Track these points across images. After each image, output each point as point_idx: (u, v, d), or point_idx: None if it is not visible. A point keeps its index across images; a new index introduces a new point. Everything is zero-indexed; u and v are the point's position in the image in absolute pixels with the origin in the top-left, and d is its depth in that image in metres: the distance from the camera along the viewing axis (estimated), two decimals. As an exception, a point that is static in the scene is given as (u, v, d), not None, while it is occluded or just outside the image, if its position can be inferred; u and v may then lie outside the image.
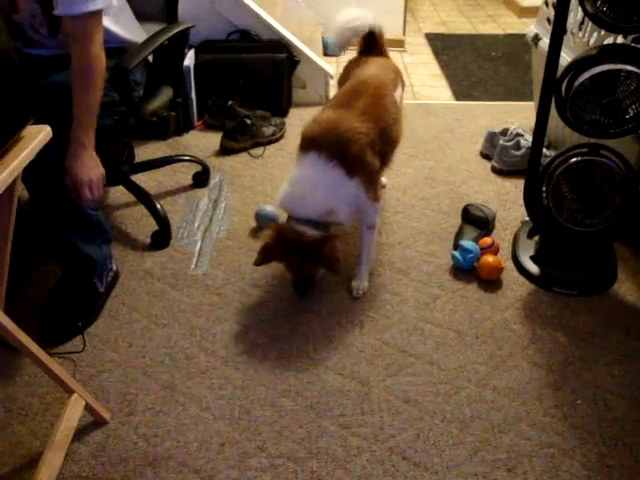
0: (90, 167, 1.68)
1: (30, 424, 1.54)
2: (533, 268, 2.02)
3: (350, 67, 2.16)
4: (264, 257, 1.81)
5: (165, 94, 2.08)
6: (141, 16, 2.04)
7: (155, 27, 2.05)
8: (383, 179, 2.06)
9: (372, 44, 2.25)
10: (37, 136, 1.22)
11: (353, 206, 1.84)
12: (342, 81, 2.14)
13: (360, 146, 1.78)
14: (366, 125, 1.80)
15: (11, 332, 1.27)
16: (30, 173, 1.59)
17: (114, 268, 1.98)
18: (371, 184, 1.85)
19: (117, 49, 1.87)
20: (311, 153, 1.78)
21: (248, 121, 2.80)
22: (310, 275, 1.90)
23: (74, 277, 1.86)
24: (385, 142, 1.90)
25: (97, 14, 1.62)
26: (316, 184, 1.77)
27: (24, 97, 1.20)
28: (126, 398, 1.60)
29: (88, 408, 1.47)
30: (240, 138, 2.80)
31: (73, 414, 1.41)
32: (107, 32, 1.80)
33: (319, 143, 1.78)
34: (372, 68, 2.07)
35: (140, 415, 1.55)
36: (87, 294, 1.86)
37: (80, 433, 1.50)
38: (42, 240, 2.11)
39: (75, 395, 1.43)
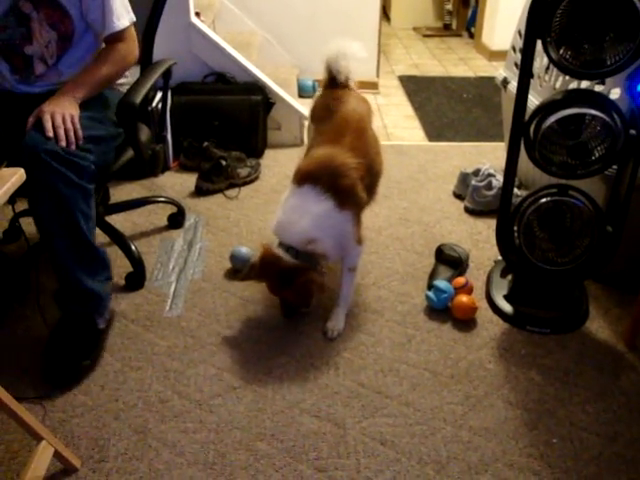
0: (64, 105, 1.71)
1: (-4, 473, 1.49)
2: (506, 307, 2.04)
3: (323, 102, 2.20)
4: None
5: (144, 132, 2.09)
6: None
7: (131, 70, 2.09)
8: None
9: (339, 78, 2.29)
10: (10, 179, 1.21)
11: (337, 240, 1.88)
12: (316, 117, 2.18)
13: (352, 180, 1.86)
14: (356, 160, 1.87)
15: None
16: (42, 203, 1.65)
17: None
18: (357, 221, 1.93)
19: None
20: (305, 185, 1.84)
21: (223, 162, 2.82)
22: (291, 297, 1.92)
23: (76, 315, 1.83)
24: (371, 175, 2.00)
25: (131, 26, 1.90)
26: (304, 213, 1.83)
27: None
28: (97, 444, 1.56)
29: (57, 455, 1.43)
30: (215, 179, 2.81)
31: (41, 462, 1.37)
32: None
33: (313, 176, 1.84)
34: (347, 103, 2.11)
35: (112, 461, 1.51)
36: (89, 332, 1.83)
37: (49, 482, 1.45)
38: (16, 283, 2.09)
39: (44, 442, 1.39)
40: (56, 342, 1.81)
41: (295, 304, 1.97)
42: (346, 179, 1.84)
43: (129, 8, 1.90)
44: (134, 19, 1.91)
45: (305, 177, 1.86)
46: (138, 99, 1.78)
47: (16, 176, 1.23)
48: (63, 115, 1.66)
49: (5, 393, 1.30)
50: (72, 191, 1.66)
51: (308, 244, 1.83)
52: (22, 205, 2.32)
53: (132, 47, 1.92)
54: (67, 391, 1.72)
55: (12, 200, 1.85)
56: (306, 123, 3.31)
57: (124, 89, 1.96)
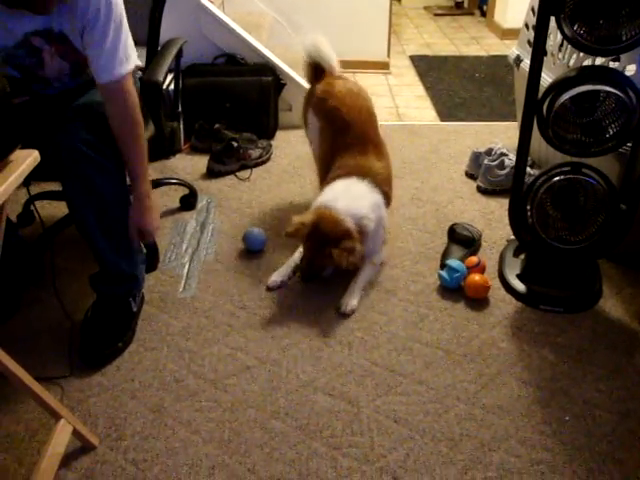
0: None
1: (15, 452, 1.52)
2: (519, 286, 2.03)
3: (326, 95, 2.31)
4: (296, 230, 1.97)
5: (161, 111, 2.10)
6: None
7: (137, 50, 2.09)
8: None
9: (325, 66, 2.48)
10: (25, 160, 1.22)
11: (377, 229, 2.06)
12: (320, 110, 2.32)
13: (390, 187, 2.21)
14: (381, 164, 2.18)
15: (-1, 358, 1.27)
16: (76, 190, 1.69)
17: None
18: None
19: None
20: (358, 178, 2.08)
21: (235, 144, 2.82)
22: (322, 261, 1.98)
23: (112, 297, 1.86)
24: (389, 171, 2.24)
25: (130, 72, 1.72)
26: (362, 196, 2.05)
27: (11, 123, 1.21)
28: (114, 422, 1.58)
29: (76, 434, 1.46)
30: (227, 161, 2.81)
31: (60, 440, 1.39)
32: None
33: (364, 173, 2.10)
34: (353, 97, 2.30)
35: (129, 439, 1.54)
36: (123, 314, 1.87)
37: (67, 459, 1.48)
38: (32, 266, 2.11)
39: (62, 421, 1.41)
40: (92, 324, 1.84)
41: (328, 265, 2.01)
42: (388, 185, 2.18)
43: (133, 50, 1.76)
44: (139, 64, 1.84)
45: (357, 172, 2.08)
46: (161, 77, 1.78)
47: (31, 158, 1.24)
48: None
49: (25, 373, 1.32)
50: (104, 177, 1.68)
51: (362, 219, 1.97)
52: (37, 188, 2.35)
53: (128, 92, 1.72)
54: (83, 371, 1.74)
55: (27, 183, 1.86)
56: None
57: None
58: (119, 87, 1.69)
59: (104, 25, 1.65)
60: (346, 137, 2.17)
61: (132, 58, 1.74)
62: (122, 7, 1.72)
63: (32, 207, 2.36)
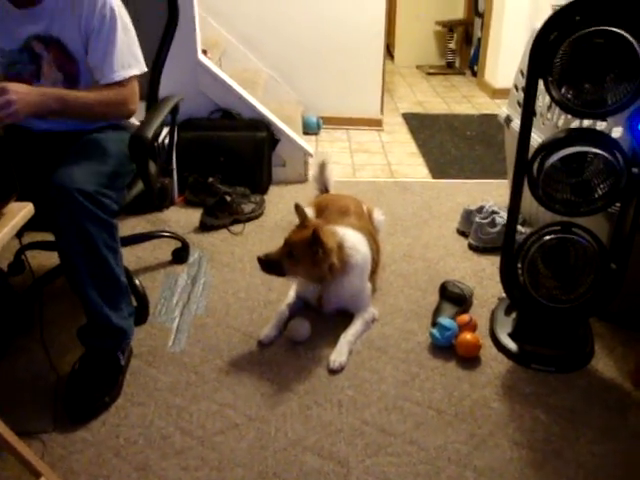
0: (24, 94, 1.61)
1: (-7, 511, 1.47)
2: (511, 345, 2.02)
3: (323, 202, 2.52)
4: (300, 212, 2.09)
5: (152, 166, 2.12)
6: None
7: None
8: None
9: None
10: (19, 213, 1.22)
11: (360, 277, 2.15)
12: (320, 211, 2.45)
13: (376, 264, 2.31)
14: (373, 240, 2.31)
15: (-20, 412, 1.24)
16: (70, 240, 1.69)
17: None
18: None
19: (111, 126, 1.99)
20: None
21: (228, 198, 2.84)
22: (297, 255, 2.01)
23: (100, 351, 1.84)
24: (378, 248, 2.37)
25: (134, 78, 1.88)
26: (354, 235, 2.17)
27: (6, 174, 1.22)
28: (97, 481, 1.55)
29: (56, 492, 1.42)
30: (220, 215, 2.83)
31: (40, 499, 1.36)
32: None
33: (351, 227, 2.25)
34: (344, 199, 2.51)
35: (111, 500, 1.50)
36: (111, 368, 1.84)
37: (47, 520, 1.43)
38: (20, 316, 2.09)
39: (42, 479, 1.38)
40: (78, 377, 1.81)
41: (297, 263, 2.02)
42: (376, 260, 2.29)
43: (139, 57, 1.92)
44: (144, 69, 1.93)
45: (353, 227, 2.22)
46: (150, 133, 1.81)
47: (25, 210, 1.24)
48: (11, 100, 1.56)
49: (5, 428, 1.29)
50: (99, 228, 1.69)
51: (349, 249, 2.07)
52: (29, 238, 2.35)
53: (131, 97, 1.89)
54: (67, 426, 1.70)
55: (19, 234, 1.86)
56: (310, 160, 3.36)
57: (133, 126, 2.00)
58: (121, 89, 1.83)
59: (109, 31, 1.80)
60: (339, 220, 2.27)
61: (136, 65, 1.87)
62: (126, 13, 1.88)
63: (23, 256, 2.36)
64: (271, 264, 2.04)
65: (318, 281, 2.07)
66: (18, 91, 1.57)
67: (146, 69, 1.94)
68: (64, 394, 1.79)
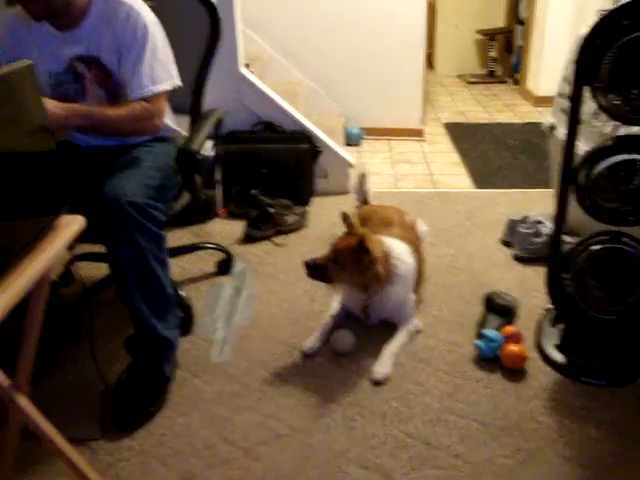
0: (51, 107, 1.68)
1: (45, 516, 1.50)
2: (558, 357, 1.98)
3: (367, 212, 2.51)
4: (347, 220, 2.07)
5: (197, 179, 2.16)
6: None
7: (180, 118, 2.18)
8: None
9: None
10: (71, 226, 1.26)
11: (404, 287, 2.13)
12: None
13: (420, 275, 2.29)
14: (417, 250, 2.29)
15: (33, 419, 1.28)
16: (120, 251, 1.73)
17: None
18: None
19: (159, 138, 2.03)
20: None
21: (271, 210, 2.86)
22: (343, 263, 2.01)
23: (146, 362, 1.87)
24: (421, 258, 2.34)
25: (164, 94, 1.89)
26: (400, 246, 2.17)
27: (58, 187, 1.25)
28: (144, 489, 1.57)
29: (105, 500, 1.45)
30: (263, 227, 2.85)
31: (90, 506, 1.38)
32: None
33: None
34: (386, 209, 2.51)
35: (158, 508, 1.52)
36: (156, 378, 1.87)
37: (95, 526, 1.46)
38: (70, 326, 2.14)
39: (92, 485, 1.41)
40: (125, 386, 1.84)
41: (343, 270, 2.02)
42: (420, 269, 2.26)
43: (172, 72, 1.92)
44: (177, 83, 1.94)
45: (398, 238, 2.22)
46: (197, 146, 1.85)
47: (76, 224, 1.28)
48: None
49: (57, 434, 1.33)
50: (148, 240, 1.73)
51: (395, 259, 2.08)
52: (78, 249, 2.41)
53: (157, 113, 1.89)
54: (114, 434, 1.74)
55: (70, 246, 1.92)
56: (352, 171, 3.36)
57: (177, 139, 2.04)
58: (148, 105, 1.84)
59: (140, 47, 1.83)
60: (382, 230, 2.25)
61: (167, 80, 1.88)
62: (160, 31, 1.90)
63: (73, 267, 2.42)
64: (317, 269, 2.04)
65: (363, 289, 2.06)
66: (46, 107, 1.63)
67: (179, 84, 1.95)
68: (111, 403, 1.82)
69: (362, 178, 2.74)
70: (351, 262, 1.99)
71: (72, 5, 1.80)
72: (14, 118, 1.12)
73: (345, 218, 2.07)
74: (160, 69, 1.87)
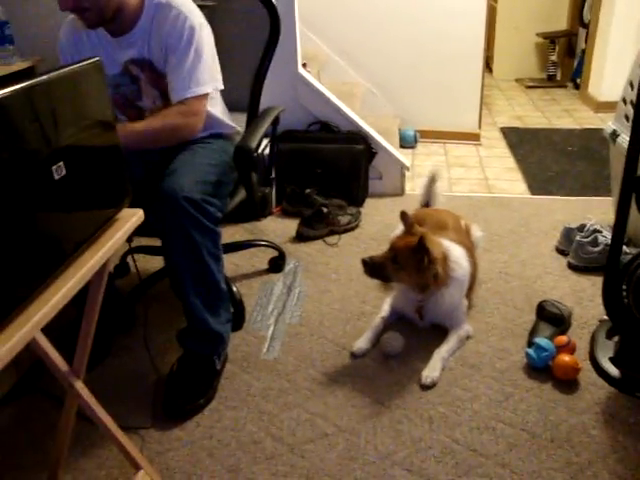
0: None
1: (96, 499, 1.55)
2: (613, 370, 1.93)
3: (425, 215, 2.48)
4: (406, 219, 2.07)
5: (254, 176, 2.19)
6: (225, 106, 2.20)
7: (237, 116, 2.22)
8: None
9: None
10: (130, 219, 1.29)
11: (459, 290, 2.12)
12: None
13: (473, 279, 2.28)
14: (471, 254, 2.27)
15: (89, 404, 1.32)
16: (175, 245, 1.77)
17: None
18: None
19: (216, 135, 2.08)
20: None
21: (325, 209, 2.87)
22: (404, 263, 2.00)
23: (197, 355, 1.91)
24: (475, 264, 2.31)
25: (204, 96, 1.89)
26: (457, 248, 2.16)
27: (122, 180, 1.29)
28: (190, 479, 1.60)
29: (154, 487, 1.48)
30: (316, 226, 2.87)
31: (139, 491, 1.42)
32: (211, 116, 2.03)
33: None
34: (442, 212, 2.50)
35: (204, 498, 1.55)
36: (207, 372, 1.91)
37: (144, 511, 1.50)
38: (125, 316, 2.20)
39: (142, 472, 1.45)
40: (176, 378, 1.89)
41: (403, 270, 2.01)
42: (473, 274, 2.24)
43: (214, 75, 1.94)
44: (219, 87, 1.96)
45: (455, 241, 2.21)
46: (254, 144, 1.87)
47: (135, 217, 1.31)
48: None
49: (111, 421, 1.37)
50: (203, 235, 1.76)
51: (453, 262, 2.07)
52: (136, 242, 2.47)
53: (192, 115, 1.88)
54: (164, 424, 1.78)
55: (128, 238, 1.97)
56: (407, 173, 3.35)
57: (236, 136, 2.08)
58: (189, 106, 1.86)
59: (185, 48, 1.85)
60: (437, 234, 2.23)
61: (209, 83, 1.90)
62: (208, 34, 1.92)
63: (129, 259, 2.48)
64: (375, 267, 2.03)
65: (420, 290, 2.05)
66: None
67: (221, 87, 1.97)
68: (162, 393, 1.86)
69: (432, 180, 2.71)
70: (410, 261, 1.98)
71: (123, 12, 1.85)
72: (83, 113, 1.16)
73: (404, 217, 2.06)
74: (202, 71, 1.88)
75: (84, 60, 1.18)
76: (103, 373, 1.98)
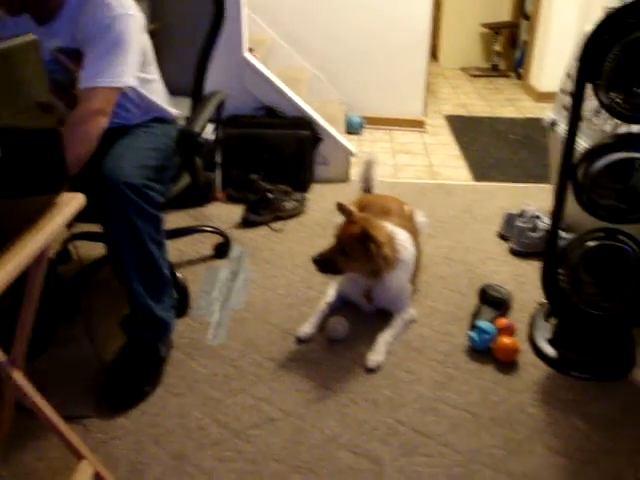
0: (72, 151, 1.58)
1: (37, 490, 1.52)
2: (550, 351, 2.00)
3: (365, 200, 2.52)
4: (344, 209, 2.08)
5: (197, 161, 2.16)
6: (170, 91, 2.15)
7: (182, 100, 2.18)
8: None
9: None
10: (70, 203, 1.26)
11: (404, 275, 2.15)
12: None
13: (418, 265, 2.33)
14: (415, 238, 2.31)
15: (28, 394, 1.29)
16: (117, 232, 1.72)
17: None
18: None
19: (158, 119, 2.02)
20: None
21: (270, 195, 2.87)
22: (351, 251, 2.00)
23: (142, 342, 1.89)
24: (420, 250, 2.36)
25: (115, 90, 1.76)
26: (401, 232, 2.18)
27: (59, 165, 1.26)
28: (135, 467, 1.58)
29: (96, 476, 1.45)
30: (262, 211, 2.86)
31: (81, 481, 1.40)
32: (149, 102, 1.97)
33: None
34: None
35: (149, 486, 1.53)
36: (151, 359, 1.88)
37: (87, 502, 1.47)
38: (67, 304, 2.15)
39: (84, 462, 1.42)
40: (120, 366, 1.86)
41: (352, 260, 2.01)
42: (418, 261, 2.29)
43: (126, 72, 1.77)
44: (130, 84, 1.81)
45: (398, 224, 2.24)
46: (199, 128, 1.84)
47: (76, 201, 1.28)
48: None
49: (51, 410, 1.34)
50: (145, 221, 1.73)
51: (399, 244, 2.10)
52: (76, 228, 2.41)
53: (101, 109, 1.72)
54: (107, 413, 1.75)
55: (69, 224, 1.92)
56: (352, 159, 3.37)
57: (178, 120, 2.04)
58: (93, 99, 1.72)
59: (103, 36, 1.74)
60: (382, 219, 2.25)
61: (122, 78, 1.76)
62: (135, 26, 1.80)
63: (71, 246, 2.43)
64: (326, 263, 2.04)
65: (374, 275, 2.06)
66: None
67: (133, 84, 1.83)
68: (106, 382, 1.84)
69: (369, 166, 2.74)
70: (358, 250, 1.99)
71: None
72: (16, 93, 1.12)
73: (341, 208, 2.08)
74: (118, 64, 1.75)
75: (19, 37, 1.13)
76: (45, 363, 1.94)
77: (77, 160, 1.64)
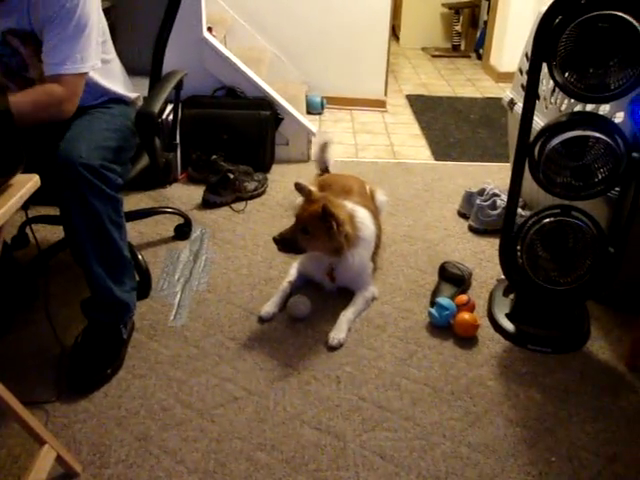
0: None
1: (-3, 476, 1.50)
2: (508, 325, 2.05)
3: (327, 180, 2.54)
4: (304, 190, 2.09)
5: (156, 142, 2.13)
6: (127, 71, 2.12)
7: (141, 81, 2.15)
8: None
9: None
10: (25, 185, 1.24)
11: (366, 252, 2.18)
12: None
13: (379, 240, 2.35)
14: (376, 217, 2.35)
15: (-14, 380, 1.27)
16: (75, 214, 1.69)
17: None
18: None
19: (116, 100, 1.99)
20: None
21: (231, 176, 2.85)
22: (312, 231, 2.02)
23: (103, 324, 1.87)
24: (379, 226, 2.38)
25: (82, 75, 1.75)
26: (361, 210, 2.21)
27: (14, 146, 1.23)
28: (99, 450, 1.57)
29: (59, 460, 1.44)
30: (223, 192, 2.84)
31: (43, 466, 1.37)
32: (100, 87, 1.91)
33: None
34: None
35: (112, 468, 1.53)
36: (113, 341, 1.86)
37: (50, 486, 1.46)
38: (25, 289, 2.12)
39: (46, 446, 1.40)
40: (81, 349, 1.84)
41: (314, 239, 2.03)
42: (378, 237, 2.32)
43: (91, 55, 1.76)
44: (97, 66, 1.81)
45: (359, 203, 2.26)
46: (157, 109, 1.82)
47: (31, 182, 1.26)
48: None
49: (11, 396, 1.32)
50: (104, 203, 1.70)
51: (359, 222, 2.13)
52: (32, 212, 2.37)
53: (67, 96, 1.73)
54: (70, 397, 1.74)
55: (25, 206, 1.88)
56: (313, 139, 3.36)
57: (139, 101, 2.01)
58: (63, 84, 1.72)
59: (64, 20, 1.70)
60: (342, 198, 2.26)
61: (88, 62, 1.75)
62: (92, 11, 1.76)
63: (28, 230, 2.38)
64: (287, 243, 2.05)
65: (335, 253, 2.07)
66: None
67: (98, 67, 1.82)
68: (67, 366, 1.82)
69: (324, 146, 2.75)
70: (319, 229, 2.00)
71: None
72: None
73: (299, 187, 2.08)
74: (83, 48, 1.72)
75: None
76: (4, 348, 1.91)
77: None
